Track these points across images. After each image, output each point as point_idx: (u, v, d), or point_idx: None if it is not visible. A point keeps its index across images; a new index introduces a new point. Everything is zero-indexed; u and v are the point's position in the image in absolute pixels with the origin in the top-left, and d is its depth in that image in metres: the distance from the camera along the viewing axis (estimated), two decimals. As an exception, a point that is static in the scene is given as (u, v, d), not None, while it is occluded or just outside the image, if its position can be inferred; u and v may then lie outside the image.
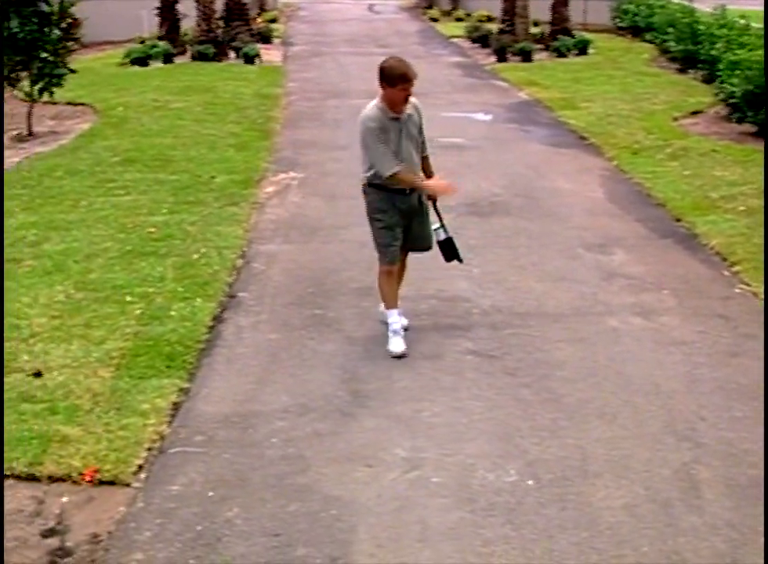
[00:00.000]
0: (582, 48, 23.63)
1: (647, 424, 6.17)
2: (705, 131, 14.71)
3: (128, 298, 8.09)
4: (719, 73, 15.62)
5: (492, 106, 17.62)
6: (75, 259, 8.99)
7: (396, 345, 7.27)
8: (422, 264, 8.04)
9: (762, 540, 4.96)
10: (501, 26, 25.86)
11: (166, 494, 5.46)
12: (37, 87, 14.72)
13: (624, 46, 24.80)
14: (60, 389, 6.53)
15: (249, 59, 22.79)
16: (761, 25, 15.92)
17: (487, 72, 22.17)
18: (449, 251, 7.52)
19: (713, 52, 17.12)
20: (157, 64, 22.00)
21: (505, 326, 7.71)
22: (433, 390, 6.65)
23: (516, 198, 11.36)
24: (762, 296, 8.13)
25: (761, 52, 13.96)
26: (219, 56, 22.96)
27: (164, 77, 20.21)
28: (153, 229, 9.87)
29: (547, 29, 25.48)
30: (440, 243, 7.47)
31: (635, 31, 26.03)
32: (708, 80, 17.74)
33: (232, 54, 23.58)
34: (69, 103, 16.99)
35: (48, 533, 5.12)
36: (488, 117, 16.56)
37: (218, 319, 7.84)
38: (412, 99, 7.03)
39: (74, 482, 5.53)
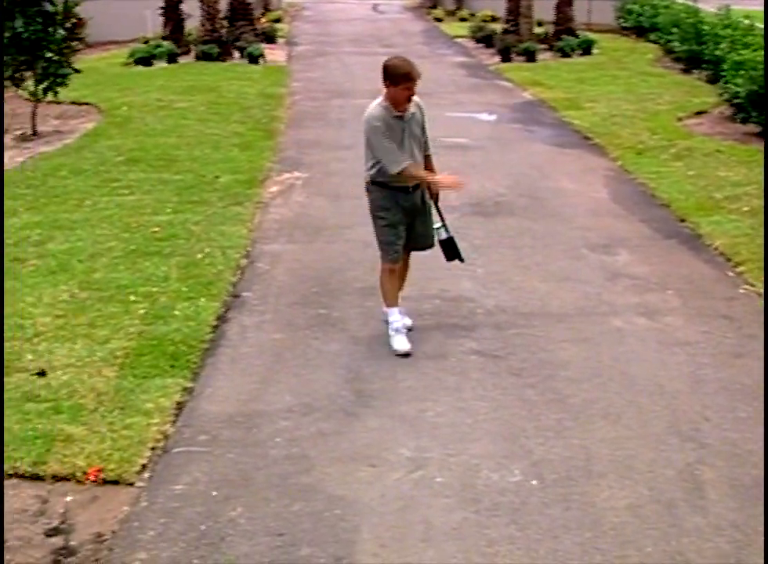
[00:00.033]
0: (586, 48, 23.61)
1: (651, 425, 6.16)
2: (710, 131, 14.70)
3: (132, 298, 8.09)
4: (723, 73, 15.61)
5: (496, 106, 17.62)
6: (79, 259, 9.00)
7: (400, 343, 7.28)
8: (426, 264, 8.04)
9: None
10: (505, 26, 25.86)
11: (170, 494, 5.46)
12: (41, 86, 14.74)
13: (628, 46, 24.77)
14: (64, 389, 6.54)
15: (253, 58, 22.78)
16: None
17: (491, 72, 22.16)
18: (450, 250, 7.53)
19: (717, 53, 17.11)
20: (161, 64, 22.01)
21: (510, 326, 7.70)
22: (437, 390, 6.65)
23: (521, 198, 11.36)
24: (767, 296, 8.14)
25: (765, 52, 13.96)
26: (223, 55, 22.96)
27: (168, 76, 20.22)
28: (157, 229, 9.87)
29: (551, 29, 25.45)
30: (441, 242, 7.49)
31: (640, 31, 26.00)
32: (713, 80, 17.73)
33: (236, 54, 23.58)
34: (73, 103, 17.01)
35: (53, 533, 5.13)
36: (492, 117, 16.55)
37: (222, 318, 7.84)
38: (415, 98, 7.05)
39: (78, 481, 5.54)
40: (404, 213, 7.21)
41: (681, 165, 12.53)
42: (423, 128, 7.22)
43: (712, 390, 6.63)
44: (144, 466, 5.70)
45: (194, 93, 18.10)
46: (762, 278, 8.43)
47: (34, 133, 14.69)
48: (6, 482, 5.53)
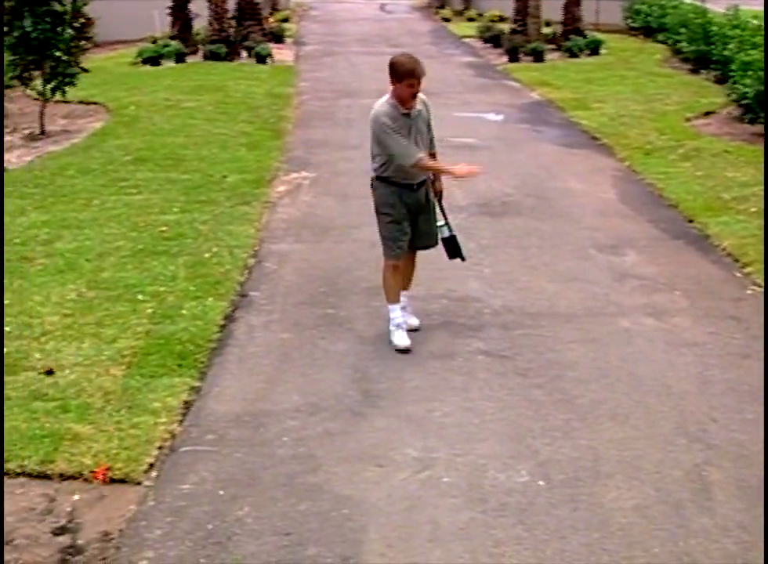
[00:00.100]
0: (594, 48, 23.58)
1: (659, 425, 6.15)
2: (718, 131, 14.67)
3: (140, 297, 8.10)
4: (731, 73, 15.58)
5: (504, 106, 17.60)
6: (87, 258, 9.01)
7: (400, 338, 7.32)
8: (433, 264, 8.04)
9: (773, 542, 4.96)
10: (513, 26, 25.85)
11: (177, 493, 5.47)
12: (49, 86, 14.76)
13: (636, 47, 24.73)
14: (72, 387, 6.55)
15: (261, 58, 22.80)
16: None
17: (498, 72, 22.14)
18: (452, 248, 7.58)
19: (726, 53, 17.08)
20: (169, 63, 22.03)
21: (517, 326, 7.70)
22: (444, 390, 6.65)
23: (528, 198, 11.35)
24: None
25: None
26: (231, 55, 22.98)
27: (176, 76, 20.24)
28: (164, 228, 9.88)
29: (559, 29, 25.42)
30: (443, 240, 7.53)
31: (648, 32, 25.96)
32: (721, 80, 17.71)
33: (244, 53, 23.59)
34: (81, 102, 17.03)
35: (60, 531, 5.13)
36: (500, 118, 16.54)
37: (229, 318, 7.85)
38: (421, 96, 7.09)
39: (86, 480, 5.55)
40: (408, 210, 7.23)
41: (689, 166, 12.51)
42: (429, 126, 7.25)
43: (720, 391, 6.62)
44: (151, 465, 5.70)
45: (202, 93, 18.12)
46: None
47: (42, 132, 14.71)
48: (14, 481, 5.54)
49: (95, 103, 17.16)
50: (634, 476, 5.59)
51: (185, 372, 6.81)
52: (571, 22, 24.95)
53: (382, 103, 7.04)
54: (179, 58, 22.28)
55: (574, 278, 8.74)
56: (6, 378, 6.66)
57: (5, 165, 12.62)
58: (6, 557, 4.89)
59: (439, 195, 7.49)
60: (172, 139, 14.13)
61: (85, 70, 15.29)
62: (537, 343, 7.38)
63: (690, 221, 10.35)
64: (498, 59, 24.00)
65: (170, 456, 5.85)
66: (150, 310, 7.84)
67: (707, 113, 15.99)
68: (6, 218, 10.13)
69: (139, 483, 5.55)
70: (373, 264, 8.52)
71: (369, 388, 6.70)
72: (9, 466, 5.62)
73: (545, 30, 25.46)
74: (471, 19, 32.06)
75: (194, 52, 23.29)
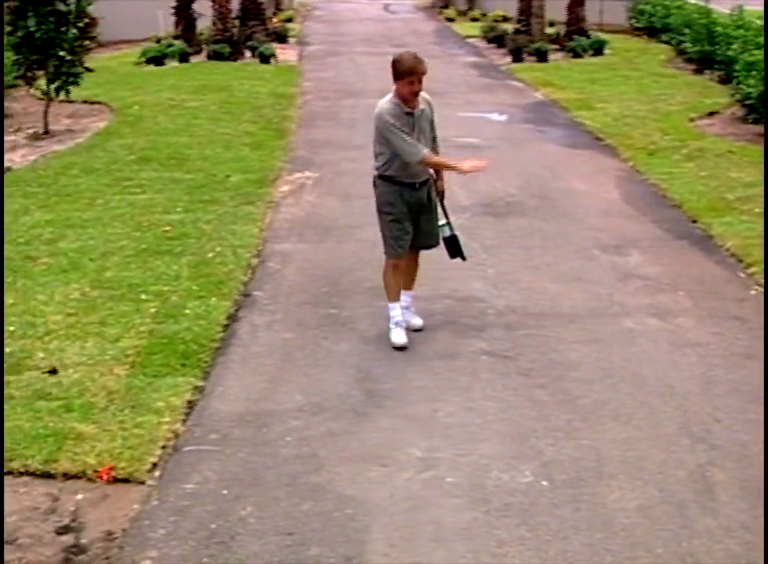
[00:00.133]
0: (598, 48, 23.56)
1: (662, 426, 6.15)
2: (721, 132, 14.65)
3: (143, 297, 8.11)
4: (735, 74, 15.58)
5: (507, 106, 17.60)
6: (91, 257, 9.02)
7: (398, 336, 7.35)
8: (437, 264, 8.04)
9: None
10: (516, 26, 25.83)
11: (180, 492, 5.47)
12: (53, 85, 14.77)
13: (640, 47, 24.71)
14: (75, 387, 6.55)
15: (265, 58, 22.80)
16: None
17: (502, 72, 22.13)
18: (453, 248, 7.60)
19: (730, 53, 17.06)
20: (172, 63, 22.05)
21: (520, 326, 7.70)
22: (448, 390, 6.65)
23: (532, 199, 11.34)
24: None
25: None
26: (235, 55, 22.98)
27: (179, 76, 20.25)
28: (168, 228, 9.89)
29: (563, 29, 25.41)
30: (444, 239, 7.56)
31: (652, 32, 25.93)
32: (725, 81, 17.69)
33: (247, 53, 23.60)
34: (85, 102, 17.04)
35: (63, 531, 5.14)
36: (503, 118, 16.54)
37: (232, 318, 7.86)
38: (424, 95, 7.13)
39: (89, 479, 5.55)
40: (409, 209, 7.24)
41: (693, 166, 12.50)
42: (432, 125, 7.27)
43: (723, 391, 6.61)
44: (155, 464, 5.71)
45: (206, 92, 18.13)
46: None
47: (46, 132, 14.72)
48: (17, 480, 5.55)
49: (99, 103, 17.17)
50: (637, 477, 5.59)
51: (188, 372, 6.81)
52: (575, 22, 24.94)
53: (386, 101, 7.06)
54: (183, 58, 22.29)
55: (577, 278, 8.74)
56: (10, 378, 6.67)
57: (8, 165, 12.64)
58: (10, 556, 4.89)
59: (441, 194, 7.50)
60: (176, 139, 14.14)
61: (89, 70, 15.31)
62: (541, 343, 7.37)
63: (694, 221, 10.34)
64: (501, 59, 24.00)
65: (173, 455, 5.85)
66: (153, 310, 7.85)
67: (711, 114, 15.97)
68: (10, 218, 10.16)
69: (142, 483, 5.55)
70: (376, 264, 8.51)
71: (372, 388, 6.70)
72: (12, 465, 5.63)
73: (549, 30, 25.46)
74: (475, 20, 32.05)
75: (198, 52, 23.31)
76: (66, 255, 9.05)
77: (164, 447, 5.89)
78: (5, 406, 6.24)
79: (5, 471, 5.59)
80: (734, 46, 16.87)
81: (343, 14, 36.69)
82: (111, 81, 19.25)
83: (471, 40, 27.86)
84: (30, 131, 14.89)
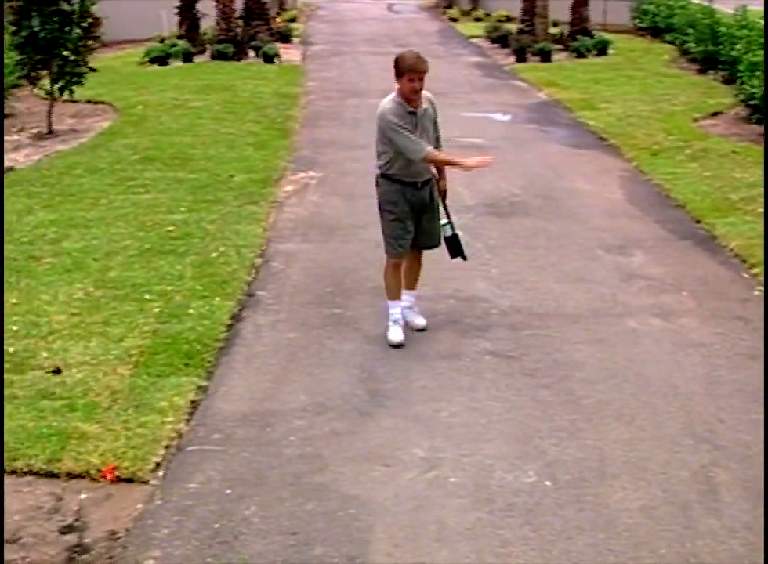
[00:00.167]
0: (602, 48, 23.55)
1: (666, 426, 6.15)
2: (725, 132, 14.64)
3: (147, 296, 8.11)
4: (739, 74, 15.56)
5: (511, 106, 17.59)
6: (94, 257, 9.03)
7: (394, 334, 7.39)
8: (441, 264, 8.04)
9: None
10: (520, 26, 25.80)
11: (184, 492, 5.48)
12: (57, 85, 14.77)
13: (644, 47, 24.69)
14: (79, 386, 6.56)
15: (268, 58, 22.81)
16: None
17: (506, 72, 22.13)
18: (454, 247, 7.62)
19: (733, 53, 17.04)
20: (176, 63, 22.06)
21: (524, 326, 7.69)
22: (451, 390, 6.65)
23: (535, 199, 11.34)
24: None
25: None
26: (239, 55, 23.00)
27: (183, 76, 20.26)
28: (172, 228, 9.89)
29: (566, 29, 25.40)
30: (446, 238, 7.57)
31: (655, 32, 25.91)
32: (729, 81, 17.67)
33: (251, 53, 23.61)
34: (89, 102, 17.05)
35: (67, 530, 5.14)
36: (507, 118, 16.54)
37: (236, 317, 7.86)
38: (428, 94, 7.14)
39: (93, 479, 5.56)
40: (411, 208, 7.25)
41: (696, 166, 12.49)
42: (435, 125, 7.29)
43: (727, 392, 6.61)
44: (158, 464, 5.71)
45: (209, 92, 18.14)
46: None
47: (50, 131, 14.73)
48: (21, 480, 5.55)
49: (102, 103, 17.19)
50: (640, 477, 5.59)
51: (192, 371, 6.82)
52: (579, 22, 24.94)
53: (388, 101, 7.07)
54: (187, 57, 22.30)
55: (581, 278, 8.73)
56: (14, 377, 6.67)
57: (12, 165, 12.65)
58: (13, 555, 4.90)
59: (443, 194, 7.51)
60: (180, 139, 14.14)
61: (93, 70, 15.30)
62: (545, 343, 7.37)
63: (698, 222, 10.33)
64: (505, 59, 23.99)
65: (177, 455, 5.86)
66: (157, 309, 7.85)
67: (714, 114, 15.96)
68: (14, 217, 10.17)
69: (145, 482, 5.56)
70: (379, 264, 8.49)
71: (376, 387, 6.70)
72: (16, 464, 5.64)
73: (553, 30, 25.45)
74: (478, 19, 32.04)
75: (202, 52, 23.31)
76: (69, 255, 9.05)
77: (167, 447, 5.89)
78: (9, 406, 6.25)
79: (8, 470, 5.59)
80: (738, 46, 16.85)
81: (347, 14, 36.70)
82: (115, 80, 19.26)
83: (474, 40, 27.86)
84: (34, 131, 14.90)
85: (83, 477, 5.57)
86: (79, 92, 15.46)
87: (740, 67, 15.54)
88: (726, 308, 8.06)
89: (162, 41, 23.66)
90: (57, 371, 6.76)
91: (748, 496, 5.39)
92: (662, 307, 8.07)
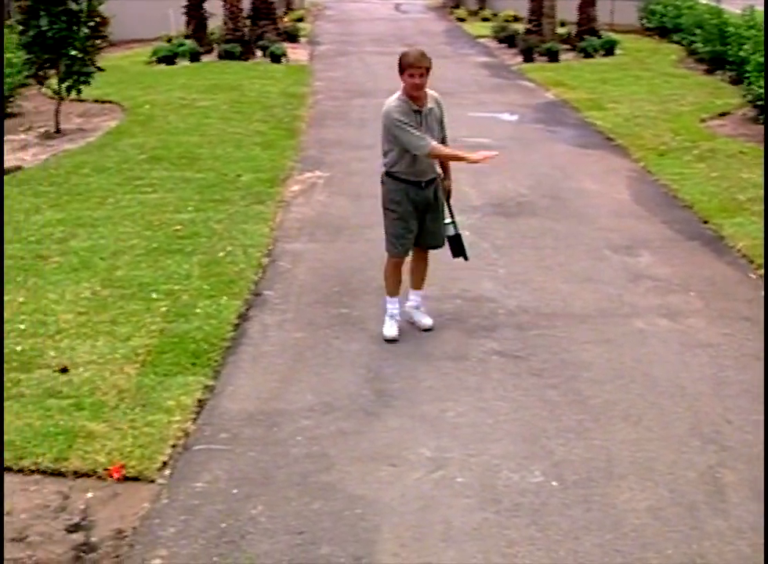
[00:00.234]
0: (609, 48, 23.53)
1: (673, 427, 6.14)
2: (733, 132, 14.62)
3: (154, 296, 8.12)
4: (747, 74, 15.53)
5: (518, 106, 17.59)
6: (102, 256, 9.04)
7: (389, 329, 7.45)
8: (447, 264, 8.03)
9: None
10: (527, 26, 25.80)
11: (190, 491, 5.48)
12: (65, 84, 14.79)
13: (651, 47, 24.67)
14: (86, 385, 6.57)
15: (276, 58, 22.83)
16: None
17: (513, 72, 22.12)
18: (456, 247, 7.63)
19: (741, 54, 17.01)
20: (183, 63, 22.09)
21: (531, 326, 7.69)
22: (458, 390, 6.65)
23: (543, 199, 11.33)
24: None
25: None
26: (246, 54, 23.01)
27: (190, 75, 20.28)
28: (179, 227, 9.90)
29: (574, 29, 25.40)
30: (448, 238, 7.58)
31: (663, 32, 25.89)
32: (736, 81, 17.65)
33: (258, 53, 23.63)
34: (96, 101, 17.08)
35: (73, 529, 5.15)
36: (514, 118, 16.53)
37: (243, 317, 7.86)
38: (434, 94, 7.17)
39: (100, 477, 5.56)
40: (415, 207, 7.25)
41: (704, 167, 12.47)
42: (441, 124, 7.28)
43: (734, 392, 6.60)
44: (165, 463, 5.72)
45: (217, 92, 18.15)
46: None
47: (58, 131, 14.75)
48: (28, 478, 5.56)
49: (110, 102, 17.22)
50: (647, 477, 5.58)
51: (199, 370, 6.82)
52: (586, 22, 24.93)
53: (393, 99, 7.09)
54: (194, 57, 22.33)
55: (588, 279, 8.72)
56: (21, 376, 6.69)
57: (20, 164, 12.67)
58: (20, 554, 4.91)
59: (447, 193, 7.52)
60: (187, 138, 14.16)
61: (101, 69, 15.32)
62: (552, 343, 7.36)
63: (705, 222, 10.31)
64: (512, 59, 23.99)
65: (183, 454, 5.86)
66: (164, 309, 7.86)
67: (722, 114, 15.93)
68: (21, 216, 10.19)
69: (152, 481, 5.56)
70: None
71: (383, 387, 6.70)
72: (23, 463, 5.65)
73: (560, 30, 25.45)
74: (486, 19, 32.08)
75: (209, 52, 23.35)
76: (77, 254, 9.07)
77: (174, 446, 5.90)
78: (16, 405, 6.26)
79: (15, 469, 5.61)
80: (746, 47, 16.81)
81: (354, 14, 36.73)
82: (122, 80, 19.30)
83: (482, 40, 27.87)
84: (42, 130, 14.93)
85: (90, 476, 5.58)
86: (87, 91, 15.47)
87: (748, 68, 15.51)
88: (733, 308, 8.05)
89: (170, 40, 23.70)
90: (64, 370, 6.77)
91: (755, 497, 5.38)
92: (669, 307, 8.06)
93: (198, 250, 9.23)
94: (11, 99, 16.00)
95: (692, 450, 5.86)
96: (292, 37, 26.86)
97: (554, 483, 5.52)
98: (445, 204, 7.51)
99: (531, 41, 23.83)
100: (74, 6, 14.18)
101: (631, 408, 6.36)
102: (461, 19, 33.56)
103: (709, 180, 11.81)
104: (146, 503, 5.36)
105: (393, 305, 7.52)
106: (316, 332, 7.60)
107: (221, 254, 9.12)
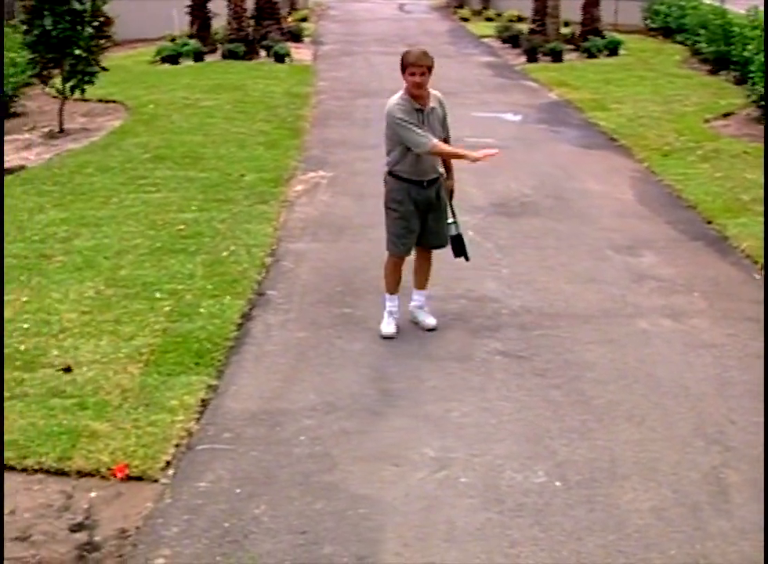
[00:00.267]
0: (613, 48, 23.51)
1: (676, 427, 6.13)
2: (737, 133, 14.61)
3: (158, 295, 8.12)
4: (751, 75, 15.52)
5: (522, 106, 17.58)
6: (105, 256, 9.04)
7: (386, 326, 7.49)
8: (451, 264, 8.02)
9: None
10: (531, 26, 25.80)
11: (194, 491, 5.48)
12: (69, 84, 14.79)
13: (655, 47, 24.65)
14: (90, 385, 6.57)
15: (279, 57, 22.82)
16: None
17: (517, 72, 22.11)
18: (457, 247, 7.64)
19: (745, 54, 16.99)
20: (187, 62, 22.10)
21: (535, 327, 7.68)
22: (462, 390, 6.64)
23: (546, 199, 11.32)
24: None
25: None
26: (250, 54, 23.00)
27: (194, 75, 20.29)
28: (182, 227, 9.90)
29: (578, 29, 25.37)
30: (450, 237, 7.58)
31: (667, 32, 25.87)
32: (740, 81, 17.63)
33: (262, 53, 23.62)
34: (100, 101, 17.09)
35: (77, 528, 5.15)
36: (518, 118, 16.52)
37: (246, 316, 7.86)
38: (437, 94, 7.20)
39: (103, 477, 5.56)
40: (417, 207, 7.26)
41: (708, 167, 12.46)
42: (444, 124, 7.30)
43: (738, 393, 6.59)
44: (168, 463, 5.72)
45: (220, 92, 18.15)
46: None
47: (62, 130, 14.76)
48: (31, 478, 5.57)
49: (114, 102, 17.23)
50: (651, 478, 5.57)
51: (202, 370, 6.82)
52: (590, 22, 24.88)
53: (396, 98, 7.12)
54: (198, 57, 22.33)
55: (591, 279, 8.72)
56: (24, 375, 6.69)
57: (23, 163, 12.69)
58: (24, 553, 4.91)
59: (450, 193, 7.52)
60: (191, 138, 14.16)
61: (105, 69, 15.32)
62: (555, 344, 7.36)
63: (709, 222, 10.31)
64: (516, 59, 23.97)
65: (187, 454, 5.86)
66: (167, 308, 7.86)
67: (726, 115, 15.92)
68: (25, 216, 10.20)
69: (156, 481, 5.56)
70: (390, 263, 8.53)
71: (386, 387, 6.70)
72: (26, 462, 5.65)
73: (564, 30, 25.41)
74: (489, 19, 32.04)
75: (213, 51, 23.34)
76: (80, 254, 9.07)
77: (177, 446, 5.89)
78: (20, 404, 6.26)
79: (18, 468, 5.61)
80: (750, 47, 16.78)
81: (358, 14, 36.70)
82: (126, 79, 19.31)
83: (485, 40, 27.85)
84: (46, 129, 14.94)
85: (93, 475, 5.58)
86: (90, 90, 15.49)
87: (752, 68, 15.50)
88: (737, 309, 8.04)
89: (173, 40, 23.69)
90: (68, 369, 6.77)
91: (759, 497, 5.37)
92: (673, 308, 8.05)
93: (202, 249, 9.23)
94: (15, 99, 16.02)
95: (695, 451, 5.85)
96: (296, 37, 26.84)
97: (557, 483, 5.52)
98: (448, 204, 7.51)
99: (535, 41, 23.81)
100: (78, 6, 14.18)
101: (634, 408, 6.36)
102: (465, 19, 33.53)
103: (713, 180, 11.80)
104: (150, 502, 5.36)
105: (391, 303, 7.53)
106: (319, 332, 7.60)
107: (224, 253, 9.12)
